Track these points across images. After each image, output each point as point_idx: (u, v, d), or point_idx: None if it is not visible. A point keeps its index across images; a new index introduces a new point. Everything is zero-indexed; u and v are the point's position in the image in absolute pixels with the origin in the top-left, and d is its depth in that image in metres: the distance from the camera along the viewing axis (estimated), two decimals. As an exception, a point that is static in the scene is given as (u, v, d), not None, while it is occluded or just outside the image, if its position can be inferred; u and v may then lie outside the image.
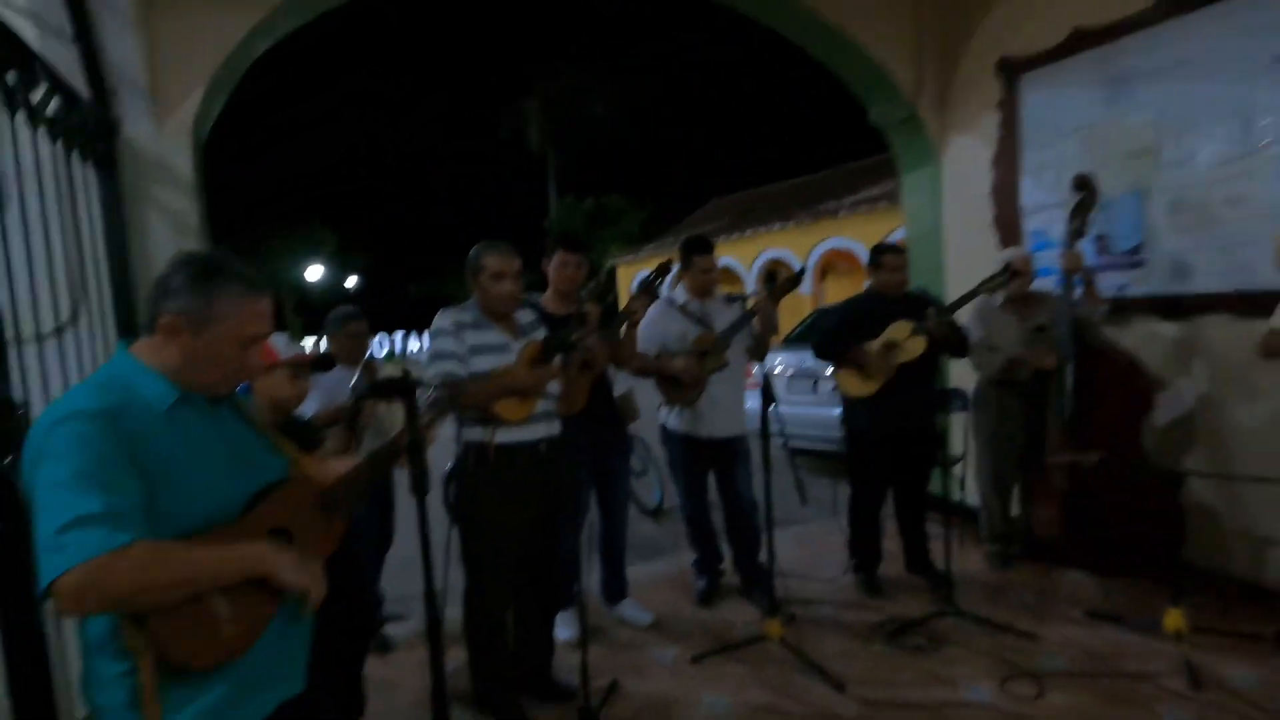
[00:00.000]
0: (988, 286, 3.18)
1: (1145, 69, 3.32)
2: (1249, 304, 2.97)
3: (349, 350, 3.13)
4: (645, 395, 4.04)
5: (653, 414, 3.52)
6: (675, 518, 3.63)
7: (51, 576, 0.98)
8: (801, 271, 3.21)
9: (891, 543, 3.60)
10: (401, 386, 1.38)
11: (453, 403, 1.89)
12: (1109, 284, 3.47)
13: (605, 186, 28.76)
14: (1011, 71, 3.90)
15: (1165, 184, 3.29)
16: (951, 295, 3.53)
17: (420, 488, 1.36)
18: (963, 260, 4.23)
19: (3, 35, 1.70)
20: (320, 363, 2.00)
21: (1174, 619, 2.56)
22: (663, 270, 2.84)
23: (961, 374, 3.89)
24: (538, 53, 26.13)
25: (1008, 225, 4.00)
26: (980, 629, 2.95)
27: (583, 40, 26.13)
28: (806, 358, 5.88)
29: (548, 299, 2.99)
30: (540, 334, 2.51)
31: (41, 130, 1.95)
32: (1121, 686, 2.49)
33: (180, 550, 1.07)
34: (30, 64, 1.87)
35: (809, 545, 4.09)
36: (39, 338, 1.92)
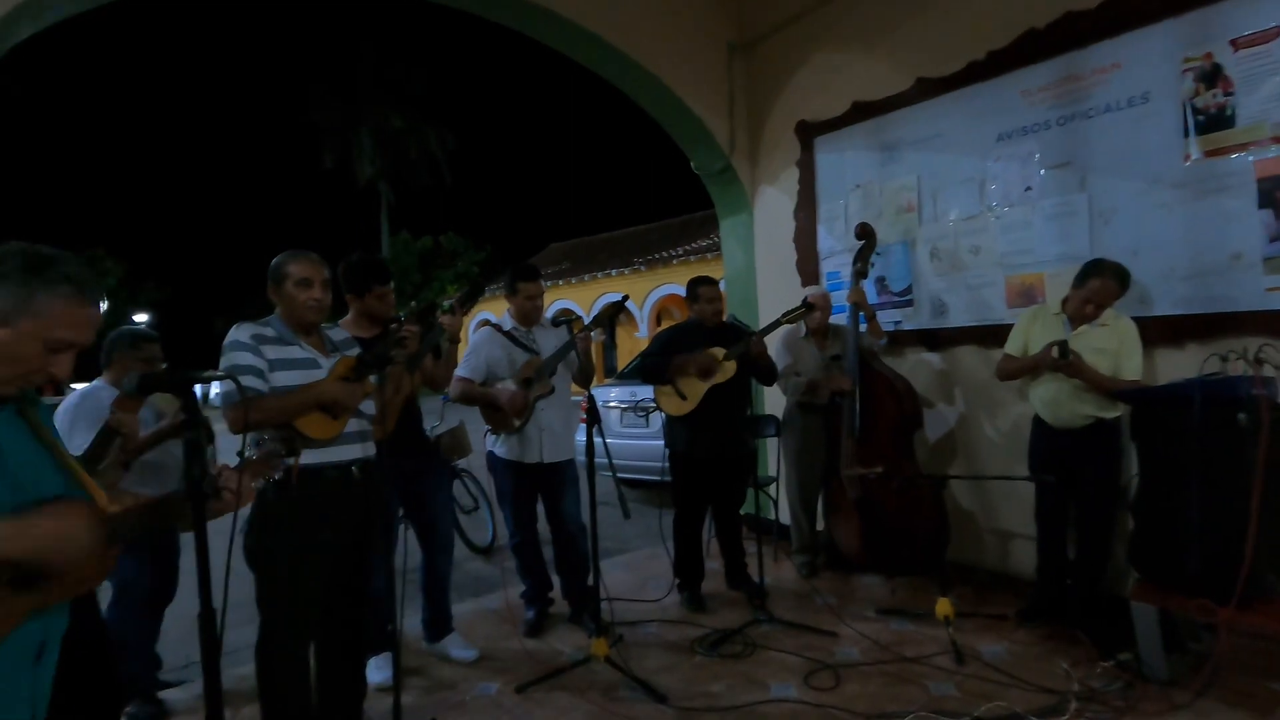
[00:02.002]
0: (788, 318, 3.53)
1: (909, 139, 3.94)
2: (989, 335, 3.56)
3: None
4: (476, 431, 3.94)
5: (484, 449, 3.45)
6: (506, 555, 3.55)
7: None
8: (625, 299, 3.36)
9: (715, 561, 3.79)
10: (177, 380, 1.26)
11: (252, 417, 1.71)
12: (887, 320, 4.00)
13: (441, 225, 28.15)
14: (807, 134, 4.44)
15: (925, 235, 3.90)
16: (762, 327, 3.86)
17: (199, 494, 1.24)
18: (772, 297, 4.66)
19: None
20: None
21: (943, 607, 2.94)
22: (476, 289, 2.83)
23: (775, 401, 4.25)
24: (370, 85, 25.13)
25: (808, 267, 4.49)
26: (789, 632, 3.17)
27: (419, 77, 25.53)
28: (639, 391, 6.09)
29: (351, 324, 2.85)
30: (354, 351, 2.39)
31: None
32: (903, 669, 2.79)
33: None
34: None
35: (637, 571, 4.17)
36: None
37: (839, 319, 3.97)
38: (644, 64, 4.39)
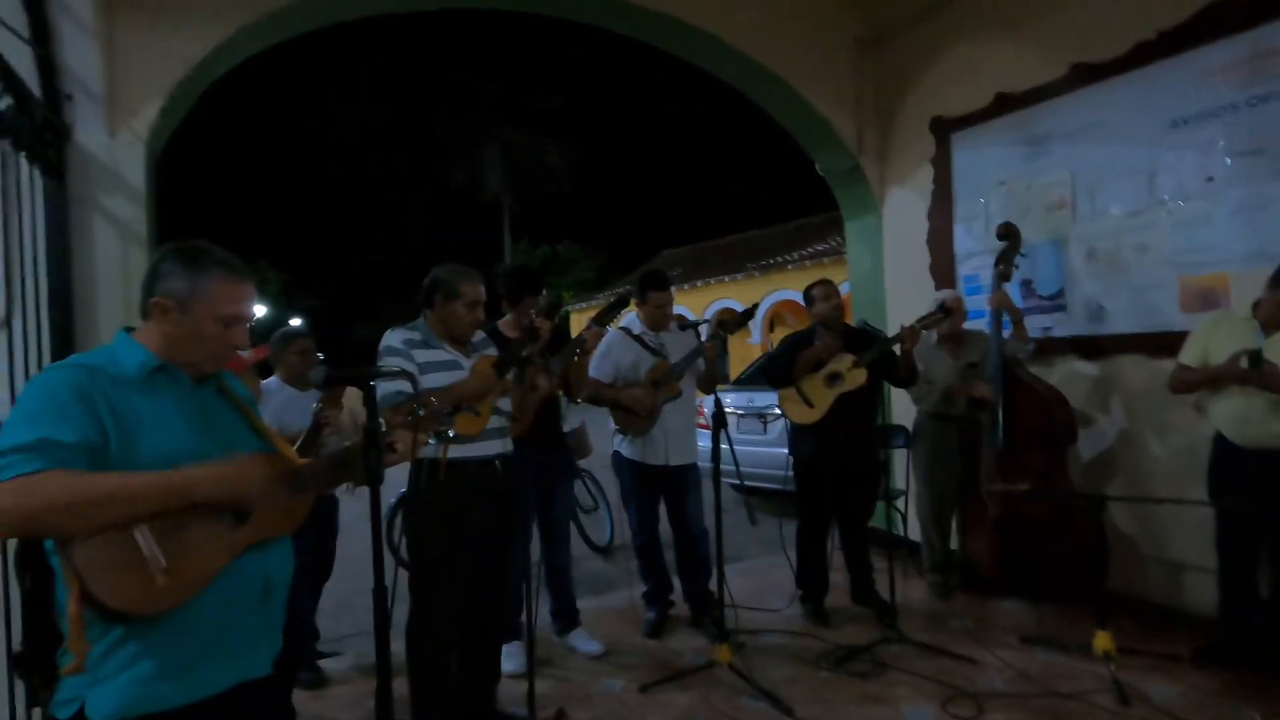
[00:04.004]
0: (924, 323, 3.35)
1: (1061, 130, 3.64)
2: (1157, 343, 3.22)
3: (296, 370, 3.06)
4: (597, 432, 4.04)
5: (605, 450, 3.53)
6: (626, 555, 3.60)
7: None
8: (755, 307, 3.33)
9: (839, 575, 3.66)
10: (362, 375, 1.39)
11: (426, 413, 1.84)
12: (1035, 326, 3.70)
13: (559, 234, 29.15)
14: (943, 130, 4.22)
15: (1081, 234, 3.58)
16: (892, 333, 3.70)
17: (373, 477, 1.35)
18: (902, 302, 4.45)
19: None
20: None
21: (1103, 641, 2.67)
22: (620, 303, 2.91)
23: (904, 411, 4.05)
24: (497, 103, 26.57)
25: (942, 270, 4.26)
26: (922, 654, 3.00)
27: (541, 91, 26.64)
28: (756, 397, 6.01)
29: (508, 325, 3.02)
30: (491, 351, 2.53)
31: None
32: (1055, 705, 2.56)
33: (96, 475, 1.12)
34: (-15, 59, 1.85)
35: (757, 579, 4.11)
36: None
37: (974, 325, 3.73)
38: (767, 64, 4.34)
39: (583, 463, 5.03)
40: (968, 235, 4.15)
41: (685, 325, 3.23)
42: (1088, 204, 3.55)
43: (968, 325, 3.75)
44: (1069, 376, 3.63)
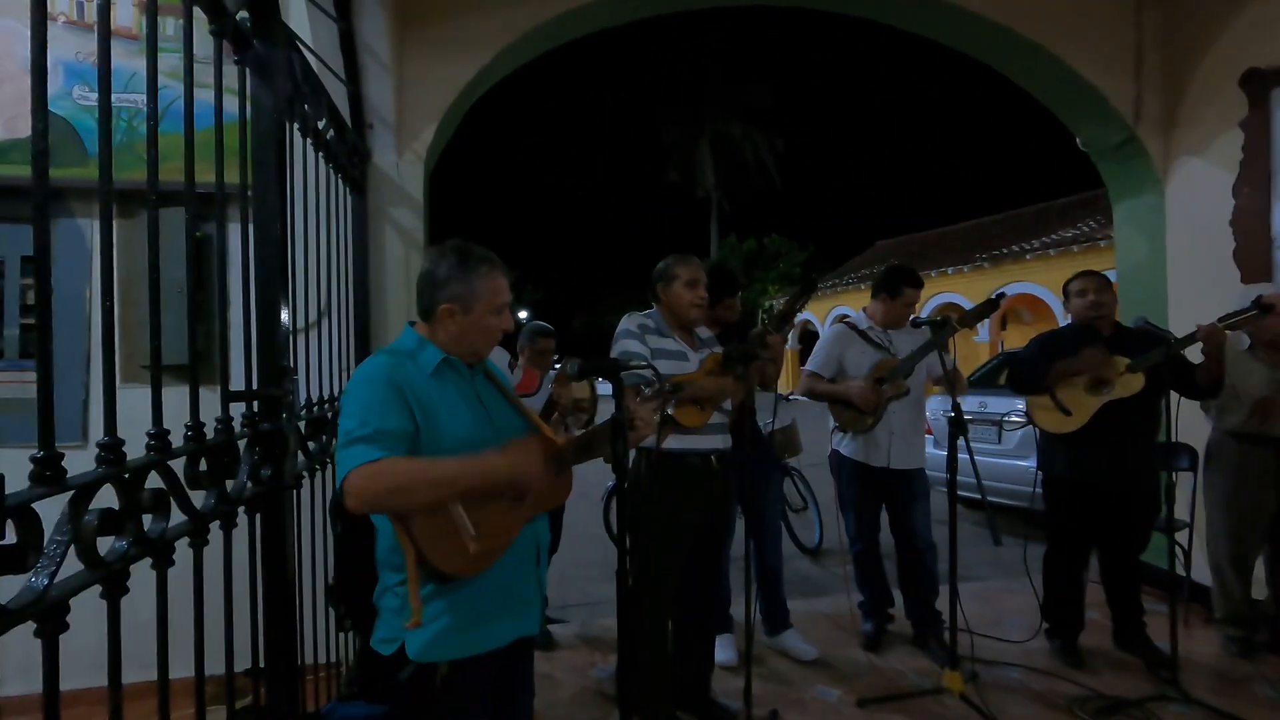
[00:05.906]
0: (1230, 322, 2.77)
1: None
2: None
3: (535, 364, 3.37)
4: (808, 430, 3.90)
5: (814, 449, 3.40)
6: (835, 558, 3.44)
7: (339, 480, 1.26)
8: (1000, 297, 2.97)
9: (1095, 611, 3.17)
10: (612, 366, 1.48)
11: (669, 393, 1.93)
12: (1399, 327, 2.87)
13: (766, 227, 28.81)
14: (1261, 84, 3.43)
15: None
16: (1175, 333, 3.10)
17: (621, 467, 1.43)
18: (1190, 297, 3.72)
19: (306, 73, 2.08)
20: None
21: None
22: (808, 289, 2.75)
23: (1193, 427, 3.38)
24: (711, 100, 26.80)
25: (1253, 258, 3.47)
26: (1215, 721, 2.49)
27: (753, 84, 26.40)
28: (990, 401, 5.43)
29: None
30: (716, 348, 2.55)
31: (320, 155, 2.34)
32: None
33: (426, 462, 1.30)
34: (320, 99, 2.26)
35: (992, 604, 3.71)
36: (298, 329, 2.26)
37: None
38: (1022, 31, 3.83)
39: (792, 462, 4.92)
40: (1294, 213, 3.34)
41: (919, 323, 2.99)
42: None
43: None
44: None
